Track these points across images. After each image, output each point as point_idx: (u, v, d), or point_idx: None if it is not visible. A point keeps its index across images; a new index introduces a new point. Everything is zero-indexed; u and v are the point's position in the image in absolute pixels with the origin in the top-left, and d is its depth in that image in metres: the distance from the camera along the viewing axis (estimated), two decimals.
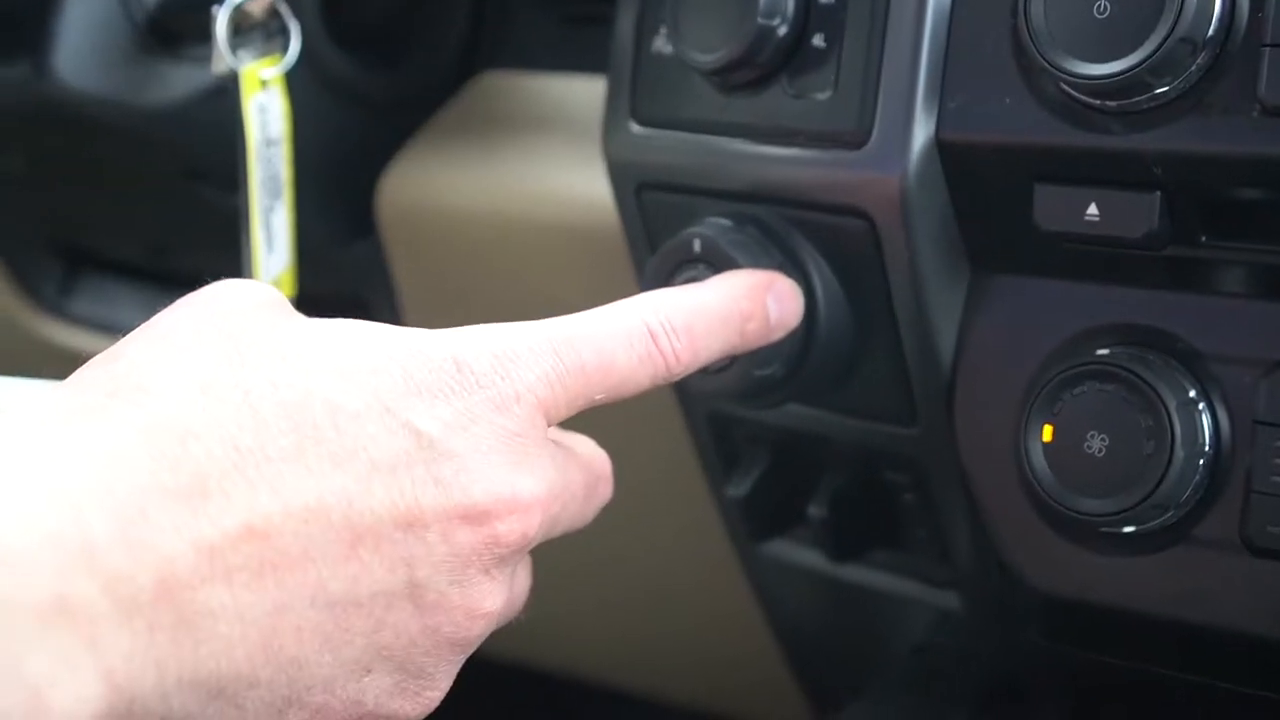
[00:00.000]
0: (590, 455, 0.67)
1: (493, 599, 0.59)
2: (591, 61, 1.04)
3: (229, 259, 1.00)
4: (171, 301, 0.61)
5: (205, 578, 0.51)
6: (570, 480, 0.63)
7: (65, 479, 0.50)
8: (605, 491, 0.68)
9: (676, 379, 0.68)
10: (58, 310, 1.35)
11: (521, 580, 0.64)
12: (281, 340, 0.57)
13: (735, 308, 0.71)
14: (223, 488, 0.52)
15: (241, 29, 0.91)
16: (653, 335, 0.66)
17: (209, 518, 0.52)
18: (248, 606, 0.52)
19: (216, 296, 0.60)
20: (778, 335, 0.74)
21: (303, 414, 0.55)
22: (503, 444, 0.59)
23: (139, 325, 0.59)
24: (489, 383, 0.59)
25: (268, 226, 0.91)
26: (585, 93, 1.04)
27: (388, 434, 0.56)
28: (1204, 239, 0.69)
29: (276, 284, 0.94)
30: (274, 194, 0.91)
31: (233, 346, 0.56)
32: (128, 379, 0.55)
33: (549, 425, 0.62)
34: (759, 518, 0.91)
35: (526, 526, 0.59)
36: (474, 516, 0.58)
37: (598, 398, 0.64)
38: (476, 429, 0.58)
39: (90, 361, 0.57)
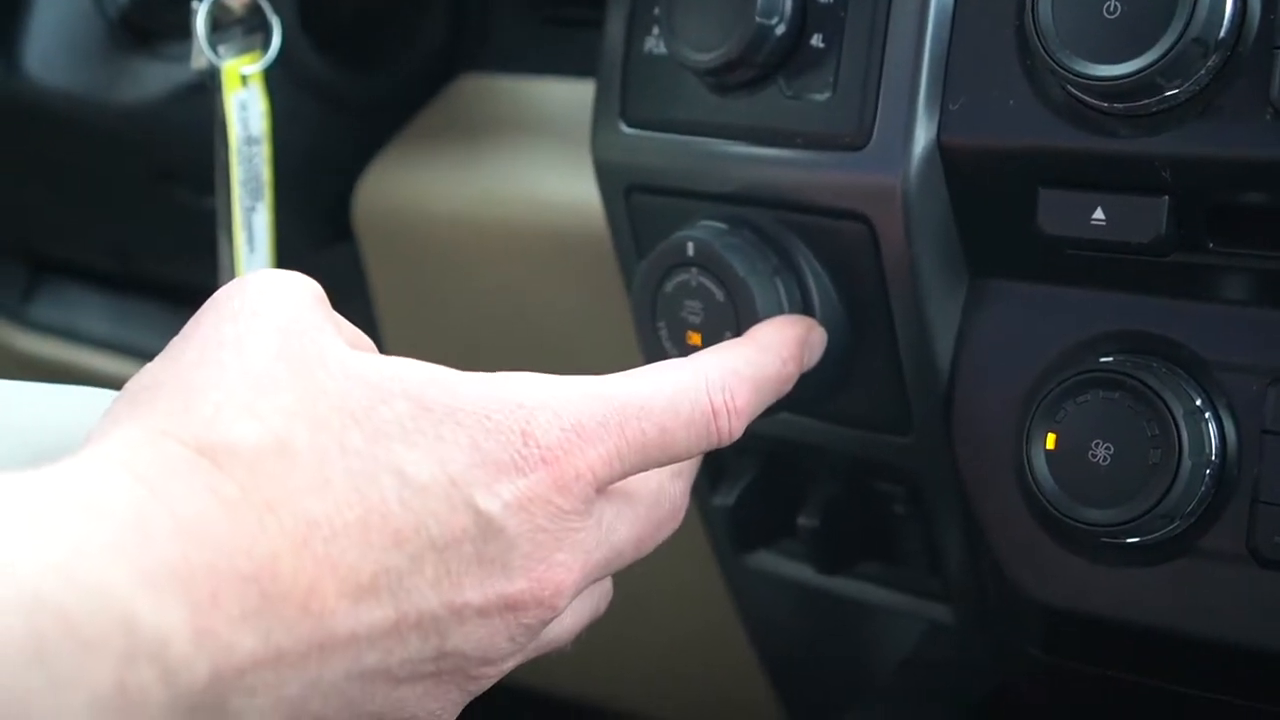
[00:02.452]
0: (650, 504, 0.66)
1: (510, 660, 0.60)
2: (573, 64, 1.03)
3: (199, 265, 0.98)
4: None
5: (258, 662, 0.51)
6: (615, 543, 0.64)
7: (144, 548, 0.49)
8: (665, 532, 0.68)
9: None
10: (19, 317, 1.32)
11: (568, 618, 0.65)
12: (350, 393, 0.56)
13: (785, 371, 0.71)
14: (292, 568, 0.52)
15: (220, 24, 0.89)
16: (714, 413, 0.65)
17: (272, 604, 0.51)
18: (288, 683, 0.53)
19: (265, 296, 0.58)
20: None
21: (370, 486, 0.55)
22: (552, 523, 0.59)
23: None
24: (553, 458, 0.58)
25: (249, 227, 0.89)
26: (567, 96, 1.03)
27: (449, 510, 0.56)
28: (1211, 245, 0.67)
29: None
30: (255, 194, 0.89)
31: (305, 391, 0.56)
32: (211, 432, 0.53)
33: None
34: (745, 528, 0.90)
35: (556, 604, 0.60)
36: (511, 605, 0.58)
37: (649, 468, 0.64)
38: (533, 508, 0.58)
39: (149, 384, 0.56)
